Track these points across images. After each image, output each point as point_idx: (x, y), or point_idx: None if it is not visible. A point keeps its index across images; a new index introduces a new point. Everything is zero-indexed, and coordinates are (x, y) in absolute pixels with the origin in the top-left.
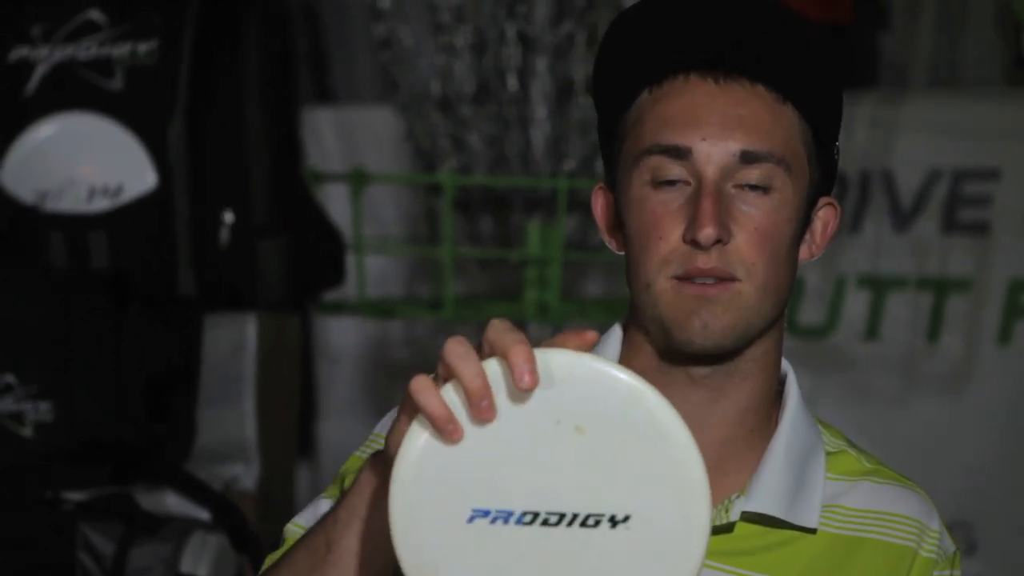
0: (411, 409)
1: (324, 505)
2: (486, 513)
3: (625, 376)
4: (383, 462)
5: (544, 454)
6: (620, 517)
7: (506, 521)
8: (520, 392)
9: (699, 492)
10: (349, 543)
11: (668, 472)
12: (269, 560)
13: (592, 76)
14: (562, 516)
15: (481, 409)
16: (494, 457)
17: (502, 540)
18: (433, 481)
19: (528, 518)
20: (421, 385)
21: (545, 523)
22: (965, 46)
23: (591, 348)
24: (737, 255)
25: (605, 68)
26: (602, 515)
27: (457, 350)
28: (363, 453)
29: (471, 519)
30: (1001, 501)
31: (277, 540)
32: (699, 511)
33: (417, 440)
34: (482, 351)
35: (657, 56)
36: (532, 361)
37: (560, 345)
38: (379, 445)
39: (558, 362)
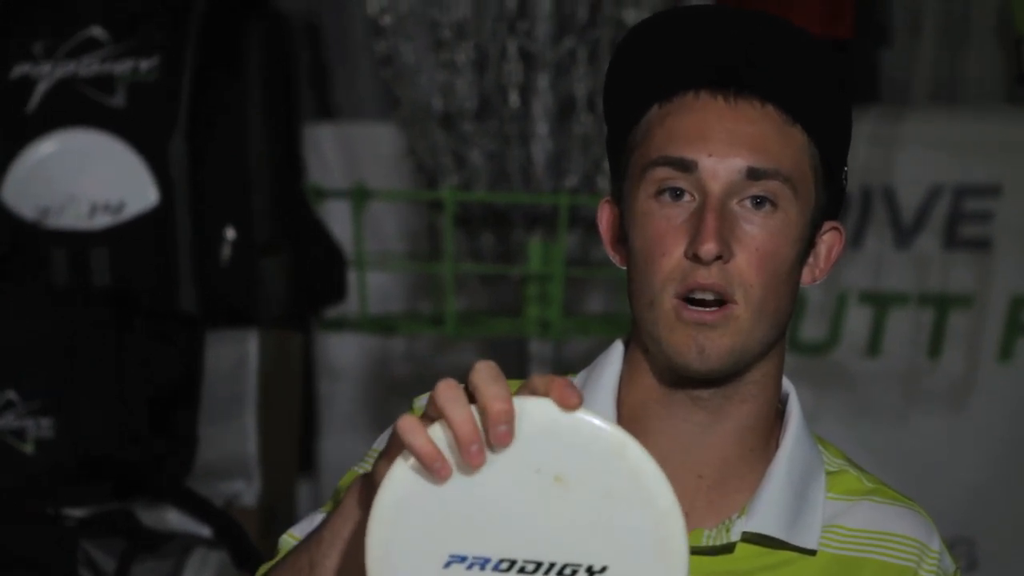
0: (398, 448)
1: (319, 519)
2: (463, 559)
3: (607, 427)
4: (369, 487)
5: (523, 502)
6: (597, 568)
7: (483, 568)
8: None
9: (678, 547)
10: (331, 564)
11: (647, 526)
12: (261, 571)
13: (603, 89)
14: (539, 565)
15: (471, 454)
16: (473, 502)
17: None
18: (412, 523)
19: (505, 565)
20: (409, 425)
21: (522, 571)
22: (966, 62)
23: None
24: (737, 275)
25: (616, 82)
26: (579, 565)
27: (448, 394)
28: (361, 469)
29: (448, 564)
30: (1003, 517)
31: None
32: (677, 565)
33: (399, 480)
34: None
35: (668, 72)
36: (510, 420)
37: (544, 390)
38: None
39: (541, 411)
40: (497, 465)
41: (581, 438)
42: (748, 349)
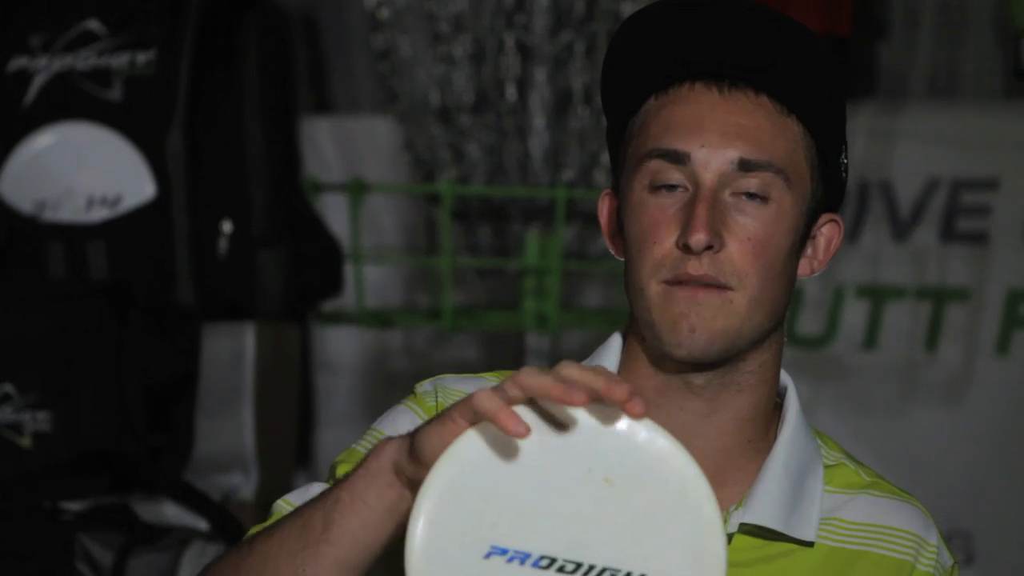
0: (465, 413)
1: (316, 489)
2: (504, 551)
3: (665, 439)
4: (399, 450)
5: (571, 501)
6: (636, 574)
7: (522, 562)
8: (559, 436)
9: (717, 563)
10: (349, 525)
11: (690, 539)
12: (254, 530)
13: (601, 80)
14: (578, 566)
15: (615, 394)
16: (522, 495)
17: None
18: (461, 508)
19: (545, 563)
20: (487, 395)
21: (561, 570)
22: (964, 57)
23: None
24: (729, 264)
25: (612, 74)
26: (618, 571)
27: (528, 372)
28: (360, 447)
29: (488, 555)
30: (999, 510)
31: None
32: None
33: (459, 460)
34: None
35: (664, 63)
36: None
37: (597, 383)
38: (377, 439)
39: (599, 412)
40: (550, 460)
41: (635, 444)
42: (741, 335)
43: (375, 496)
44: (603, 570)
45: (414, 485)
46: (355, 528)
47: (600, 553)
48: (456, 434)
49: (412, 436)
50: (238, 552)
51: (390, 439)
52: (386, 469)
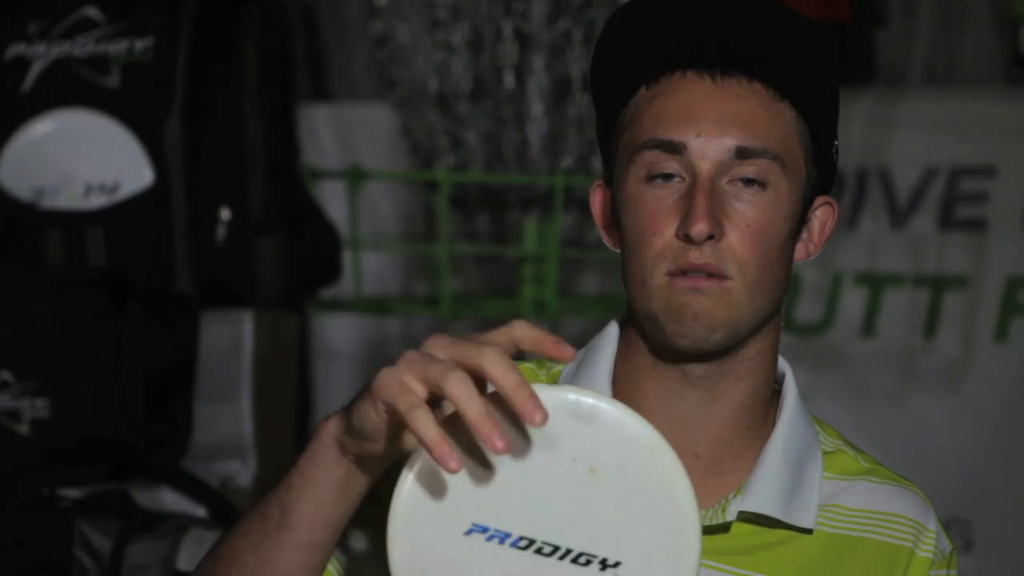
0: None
1: None
2: (484, 529)
3: (648, 431)
4: (339, 427)
5: (554, 487)
6: (611, 562)
7: (501, 541)
8: (548, 423)
9: (692, 560)
10: (304, 508)
11: (667, 532)
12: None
13: (590, 72)
14: (556, 548)
15: (495, 447)
16: (506, 479)
17: (493, 559)
18: (445, 484)
19: (523, 543)
20: (423, 419)
21: (538, 552)
22: (962, 44)
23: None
24: (729, 252)
25: (602, 65)
26: (595, 556)
27: (461, 389)
28: None
29: (469, 531)
30: (998, 498)
31: None
32: (688, 572)
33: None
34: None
35: (654, 53)
36: (539, 408)
37: (536, 344)
38: None
39: (589, 403)
40: (535, 447)
41: (622, 436)
42: (742, 322)
43: (324, 476)
44: (580, 555)
45: (361, 460)
46: (310, 510)
47: (578, 538)
48: (385, 420)
49: (348, 412)
50: (214, 552)
51: (329, 417)
52: (330, 448)
